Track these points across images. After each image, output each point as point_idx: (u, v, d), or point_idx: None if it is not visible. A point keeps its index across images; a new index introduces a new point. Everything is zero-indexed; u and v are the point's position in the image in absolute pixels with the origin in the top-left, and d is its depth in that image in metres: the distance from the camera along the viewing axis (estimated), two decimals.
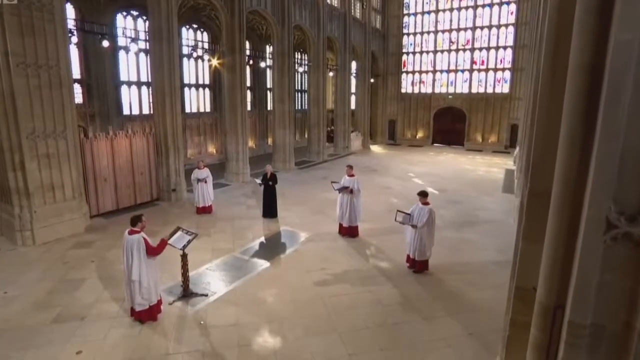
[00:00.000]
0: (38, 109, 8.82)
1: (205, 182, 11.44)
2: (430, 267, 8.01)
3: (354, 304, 6.66)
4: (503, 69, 27.05)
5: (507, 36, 26.57)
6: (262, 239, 9.80)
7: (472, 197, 14.37)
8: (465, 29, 28.08)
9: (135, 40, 13.65)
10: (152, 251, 5.80)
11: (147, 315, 5.96)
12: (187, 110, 19.53)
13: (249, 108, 19.45)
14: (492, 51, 27.26)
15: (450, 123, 29.72)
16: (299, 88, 28.34)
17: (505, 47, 26.76)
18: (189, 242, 6.53)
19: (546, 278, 2.45)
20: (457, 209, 12.75)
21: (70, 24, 11.46)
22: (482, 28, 27.44)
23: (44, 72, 8.81)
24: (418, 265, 7.93)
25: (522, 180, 8.63)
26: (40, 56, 8.73)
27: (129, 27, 15.89)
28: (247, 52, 17.91)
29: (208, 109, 20.95)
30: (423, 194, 7.85)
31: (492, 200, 14.00)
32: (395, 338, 5.73)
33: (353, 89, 27.95)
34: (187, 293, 6.75)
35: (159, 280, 6.16)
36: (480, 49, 27.69)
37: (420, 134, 31.08)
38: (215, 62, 18.12)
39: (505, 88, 27.11)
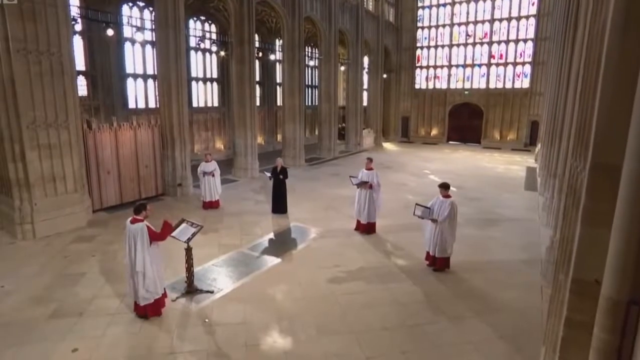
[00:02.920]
0: (39, 97, 8.63)
1: (213, 175, 11.17)
2: (451, 265, 7.61)
3: (370, 302, 6.31)
4: (523, 63, 26.37)
5: (528, 28, 25.89)
6: (271, 234, 9.50)
7: (493, 195, 13.90)
8: (483, 22, 27.48)
9: (140, 29, 13.46)
10: (156, 236, 5.54)
11: (152, 310, 5.69)
12: (195, 104, 19.35)
13: (258, 102, 19.20)
14: (512, 44, 26.60)
15: (466, 120, 29.13)
16: (310, 83, 28.05)
17: (525, 40, 26.09)
18: (193, 234, 6.25)
19: (616, 268, 2.06)
20: (477, 206, 12.30)
21: (74, 11, 11.32)
22: (500, 20, 26.79)
23: (45, 59, 8.63)
24: (438, 263, 7.54)
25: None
26: (41, 42, 8.54)
27: (135, 17, 15.73)
28: (256, 44, 17.65)
29: (216, 104, 20.75)
30: (444, 186, 7.46)
31: (514, 198, 13.51)
32: (417, 340, 5.36)
33: (365, 85, 27.55)
34: (191, 289, 6.46)
35: (162, 272, 5.88)
36: (499, 42, 27.05)
37: (434, 131, 30.54)
38: (223, 53, 17.92)
39: (525, 83, 26.44)
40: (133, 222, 5.53)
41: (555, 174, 9.38)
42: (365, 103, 27.78)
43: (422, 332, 5.55)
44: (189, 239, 6.20)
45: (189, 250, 6.36)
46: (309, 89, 27.95)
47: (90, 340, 5.17)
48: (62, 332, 5.33)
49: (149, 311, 5.65)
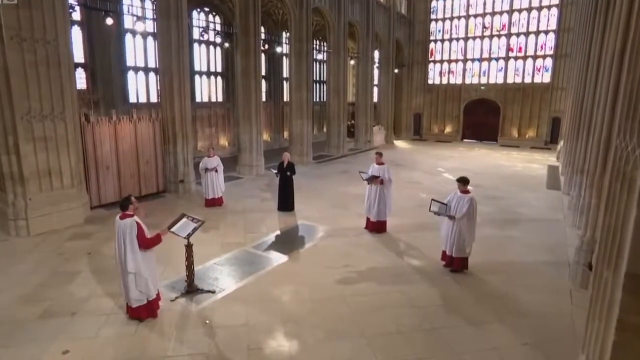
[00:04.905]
0: (34, 87, 8.52)
1: (216, 171, 11.01)
2: (469, 266, 7.33)
3: (382, 304, 6.06)
4: (544, 56, 25.84)
5: (550, 19, 25.35)
6: (277, 232, 9.32)
7: (512, 193, 13.56)
8: (501, 13, 27.02)
9: (141, 19, 13.38)
10: (144, 242, 5.28)
11: (146, 312, 5.49)
12: (198, 99, 19.29)
13: (263, 98, 19.05)
14: (532, 36, 26.09)
15: (482, 117, 28.68)
16: (318, 79, 27.86)
17: (546, 32, 25.55)
18: (194, 229, 6.06)
19: None
20: (496, 204, 11.98)
21: None
22: (520, 11, 26.30)
23: (40, 47, 8.52)
24: (456, 263, 7.26)
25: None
26: (36, 30, 8.43)
27: (136, 7, 15.65)
28: (262, 36, 17.50)
29: (220, 99, 20.67)
30: (463, 181, 7.20)
31: (535, 197, 13.15)
32: (434, 345, 5.10)
33: (376, 80, 27.25)
34: (191, 289, 6.28)
35: (156, 272, 5.66)
36: (518, 34, 26.57)
37: (448, 129, 30.16)
38: (227, 45, 17.82)
39: (545, 77, 25.90)
40: (122, 217, 5.34)
41: (582, 169, 9.07)
42: (375, 99, 27.49)
43: (439, 337, 5.29)
44: (189, 235, 6.02)
45: (189, 247, 6.17)
46: (317, 84, 27.78)
47: (82, 342, 5.00)
48: (53, 332, 5.17)
49: (143, 313, 5.45)
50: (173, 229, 6.14)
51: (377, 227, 9.25)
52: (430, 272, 7.26)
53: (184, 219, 6.27)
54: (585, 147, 9.06)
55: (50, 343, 4.96)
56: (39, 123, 8.71)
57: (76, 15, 13.86)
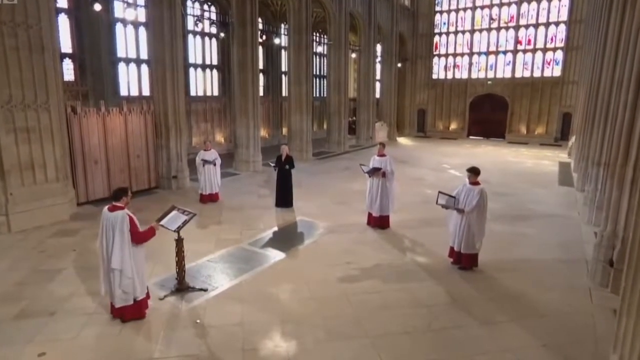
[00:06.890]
0: (15, 74, 8.27)
1: (214, 164, 10.81)
2: (479, 263, 7.07)
3: (388, 303, 5.81)
4: (554, 49, 25.51)
5: (560, 10, 25.03)
6: (275, 229, 9.10)
7: (523, 190, 13.31)
8: (509, 4, 26.69)
9: (132, 5, 13.15)
10: (138, 237, 5.04)
11: (132, 312, 5.21)
12: (193, 93, 19.08)
13: (261, 92, 18.83)
14: (541, 28, 25.77)
15: (489, 113, 28.40)
16: (318, 73, 27.63)
17: (557, 23, 25.23)
18: (184, 222, 5.81)
19: None
20: (506, 201, 11.75)
21: None
22: (529, 1, 25.94)
23: (22, 31, 8.27)
24: (465, 260, 7.01)
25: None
26: (17, 13, 8.19)
27: None
28: (260, 27, 17.29)
29: (216, 93, 20.44)
30: (474, 171, 6.92)
31: (547, 193, 12.91)
32: (444, 346, 4.84)
33: (378, 75, 27.01)
34: (182, 287, 6.02)
35: (145, 271, 5.39)
36: (527, 26, 26.24)
37: (453, 125, 29.90)
38: (223, 35, 17.63)
39: (556, 71, 25.57)
40: (112, 209, 5.07)
41: (599, 162, 8.83)
42: (378, 95, 27.25)
43: (449, 337, 5.03)
44: (179, 228, 5.76)
45: (179, 242, 5.91)
46: (317, 78, 27.56)
47: (60, 343, 4.74)
48: (30, 333, 4.91)
49: (128, 313, 5.17)
50: (162, 222, 5.89)
51: (379, 222, 9.01)
52: (437, 270, 7.01)
53: (174, 212, 6.02)
54: (603, 138, 8.81)
55: (25, 345, 4.70)
56: (21, 113, 8.47)
57: (64, 3, 13.65)
